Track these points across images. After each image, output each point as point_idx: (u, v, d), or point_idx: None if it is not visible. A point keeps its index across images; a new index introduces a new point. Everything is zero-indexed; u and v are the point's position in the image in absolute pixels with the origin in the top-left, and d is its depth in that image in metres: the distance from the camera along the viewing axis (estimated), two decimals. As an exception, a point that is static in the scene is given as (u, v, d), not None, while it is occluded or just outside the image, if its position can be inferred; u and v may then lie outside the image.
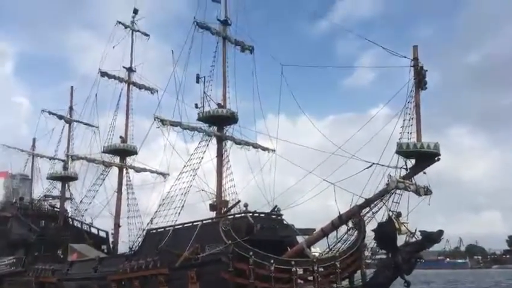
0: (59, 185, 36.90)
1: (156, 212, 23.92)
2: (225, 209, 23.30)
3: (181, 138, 25.46)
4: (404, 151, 16.80)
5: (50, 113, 36.11)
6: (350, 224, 18.35)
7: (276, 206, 22.22)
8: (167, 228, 21.68)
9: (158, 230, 22.18)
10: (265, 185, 24.31)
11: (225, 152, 25.16)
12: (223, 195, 24.44)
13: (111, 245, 32.11)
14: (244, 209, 21.05)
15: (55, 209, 36.94)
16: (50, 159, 37.97)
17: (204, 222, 20.51)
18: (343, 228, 18.69)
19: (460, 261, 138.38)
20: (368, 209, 17.98)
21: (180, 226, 21.55)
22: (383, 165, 17.69)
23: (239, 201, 23.29)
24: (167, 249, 20.43)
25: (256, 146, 26.74)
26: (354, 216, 18.07)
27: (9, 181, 42.69)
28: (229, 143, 25.20)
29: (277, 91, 22.94)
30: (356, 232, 18.19)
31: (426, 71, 16.75)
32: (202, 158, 24.40)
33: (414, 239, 17.20)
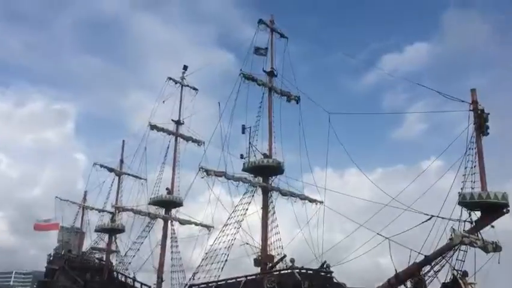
0: (106, 237, 37.10)
1: (199, 266, 23.07)
2: (270, 264, 22.00)
3: (226, 191, 25.01)
4: (468, 202, 15.22)
5: (101, 166, 37.20)
6: (409, 285, 16.49)
7: (325, 262, 20.68)
8: (210, 284, 20.67)
9: (201, 286, 21.18)
10: (312, 239, 22.99)
11: (270, 204, 24.27)
12: (268, 249, 23.25)
13: (154, 301, 31.15)
14: (290, 264, 19.71)
15: (102, 262, 36.87)
16: (99, 212, 38.60)
17: (248, 278, 19.38)
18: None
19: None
20: (428, 267, 16.16)
21: (223, 282, 20.49)
22: (443, 218, 16.09)
23: (285, 256, 21.98)
24: (209, 305, 19.36)
25: (303, 198, 25.67)
26: (413, 275, 16.26)
27: (61, 234, 43.47)
28: (274, 194, 24.36)
29: (323, 142, 22.09)
30: (416, 293, 16.25)
31: (488, 114, 15.46)
32: (247, 209, 23.68)
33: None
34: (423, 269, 16.33)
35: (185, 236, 31.51)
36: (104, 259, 36.60)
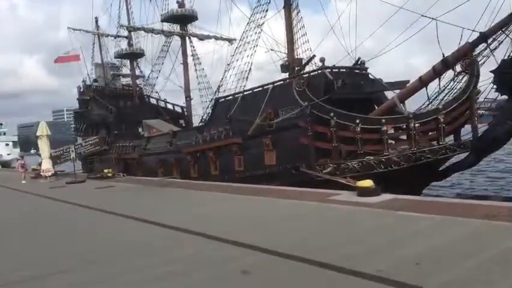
0: (128, 63, 35.97)
1: (222, 79, 21.73)
2: (298, 68, 20.20)
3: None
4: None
5: (102, -15, 33.44)
6: (458, 68, 14.42)
7: (359, 58, 18.58)
8: (236, 95, 19.49)
9: (227, 98, 20.10)
10: (343, 33, 20.44)
11: (293, 2, 21.07)
12: (295, 53, 21.14)
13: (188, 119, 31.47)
14: (320, 64, 17.72)
15: (129, 87, 36.60)
16: (114, 38, 36.58)
17: (276, 84, 17.86)
18: (448, 76, 14.92)
19: None
20: (483, 45, 13.78)
21: (250, 91, 19.21)
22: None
23: (314, 56, 19.98)
24: (237, 117, 18.51)
25: (330, -10, 22.20)
26: (464, 57, 14.04)
27: (99, 70, 42.14)
28: (298, -14, 20.88)
29: None
30: (467, 77, 14.28)
31: None
32: (267, 10, 20.78)
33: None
34: (476, 49, 14.04)
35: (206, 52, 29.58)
36: (131, 85, 36.16)
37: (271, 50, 21.95)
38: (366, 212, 7.84)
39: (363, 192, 9.31)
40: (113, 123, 30.88)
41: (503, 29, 13.19)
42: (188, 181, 17.42)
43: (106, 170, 22.45)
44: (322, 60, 17.69)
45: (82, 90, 37.60)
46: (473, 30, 13.65)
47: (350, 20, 20.39)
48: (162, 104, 35.27)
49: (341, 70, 17.34)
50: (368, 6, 23.51)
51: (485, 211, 6.96)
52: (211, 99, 22.95)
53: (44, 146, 23.54)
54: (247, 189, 12.35)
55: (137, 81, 35.87)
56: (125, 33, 34.50)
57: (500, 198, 13.40)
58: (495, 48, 13.58)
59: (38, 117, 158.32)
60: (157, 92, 34.82)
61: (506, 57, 12.99)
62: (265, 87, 18.14)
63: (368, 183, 9.44)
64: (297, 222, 7.46)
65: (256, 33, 20.93)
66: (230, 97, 19.86)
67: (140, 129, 30.17)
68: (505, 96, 13.44)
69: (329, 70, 16.72)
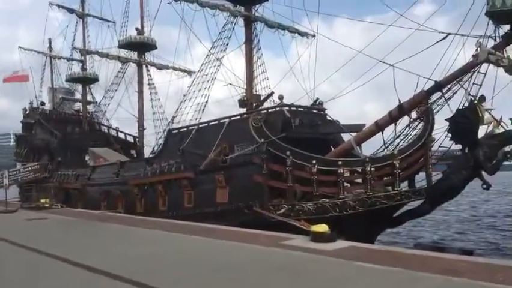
0: (79, 88, 34.39)
1: (177, 109, 20.89)
2: (256, 104, 19.80)
3: (203, 24, 21.42)
4: (498, 11, 12.17)
5: (59, 6, 32.22)
6: (414, 115, 14.46)
7: (317, 99, 18.50)
8: (190, 127, 18.67)
9: (181, 129, 19.22)
10: (303, 75, 20.48)
11: (255, 38, 20.97)
12: (254, 89, 20.84)
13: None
14: (278, 101, 17.40)
15: (79, 113, 34.85)
16: (67, 60, 35.04)
17: (232, 118, 17.25)
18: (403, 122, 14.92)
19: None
20: (438, 94, 13.94)
21: (205, 124, 18.46)
22: (463, 35, 13.27)
23: (272, 93, 19.69)
24: (191, 150, 17.62)
25: (292, 30, 22.37)
26: (419, 104, 14.11)
27: (51, 94, 39.88)
28: (259, 25, 20.87)
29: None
30: (422, 124, 14.31)
31: None
32: (227, 44, 20.46)
33: (499, 130, 13.27)
34: (431, 97, 14.18)
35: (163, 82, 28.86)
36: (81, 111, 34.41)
37: (230, 84, 21.50)
38: (320, 260, 7.13)
39: (318, 237, 8.65)
40: (57, 149, 28.87)
41: (457, 80, 13.42)
42: (131, 216, 16.13)
43: (42, 200, 20.65)
44: (280, 97, 17.41)
45: (27, 112, 35.40)
46: (429, 79, 13.81)
47: (309, 62, 20.64)
48: (113, 132, 33.70)
49: (299, 109, 17.05)
50: (327, 52, 23.95)
51: (445, 265, 6.48)
52: (164, 130, 21.95)
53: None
54: (192, 227, 11.37)
55: (89, 107, 34.21)
56: (80, 57, 33.15)
57: (457, 251, 13.15)
58: (449, 98, 13.77)
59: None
60: (107, 120, 33.30)
61: (461, 107, 13.15)
62: (221, 121, 17.49)
63: (323, 228, 8.80)
64: (235, 272, 6.51)
65: (215, 66, 20.47)
66: (184, 129, 19.00)
67: (86, 158, 28.42)
68: (459, 146, 13.52)
69: (287, 108, 16.37)
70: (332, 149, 16.69)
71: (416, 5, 15.56)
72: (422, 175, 15.24)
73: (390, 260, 6.91)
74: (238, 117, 17.40)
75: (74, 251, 8.37)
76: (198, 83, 20.53)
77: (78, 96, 35.88)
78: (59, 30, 34.40)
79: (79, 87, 34.49)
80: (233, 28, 20.35)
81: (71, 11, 32.55)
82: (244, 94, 20.63)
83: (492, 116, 13.16)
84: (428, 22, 14.52)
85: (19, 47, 35.46)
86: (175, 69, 28.93)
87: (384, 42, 16.61)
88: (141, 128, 27.86)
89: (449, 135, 13.32)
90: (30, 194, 25.88)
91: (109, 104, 29.54)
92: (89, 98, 33.85)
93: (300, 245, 8.38)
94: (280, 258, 7.38)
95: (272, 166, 14.54)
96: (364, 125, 16.52)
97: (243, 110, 19.95)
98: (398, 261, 6.78)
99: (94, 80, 32.94)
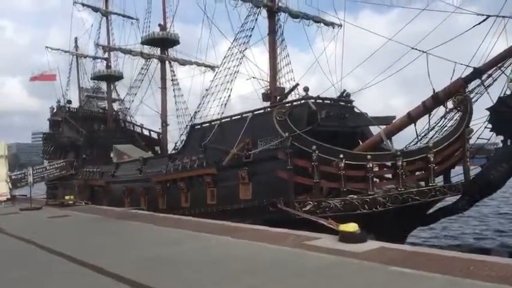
0: (105, 86, 34.57)
1: (200, 105, 20.44)
2: (280, 97, 19.11)
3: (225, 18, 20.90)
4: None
5: (83, 4, 32.38)
6: (450, 105, 13.45)
7: (344, 91, 17.62)
8: (212, 123, 18.18)
9: (203, 125, 18.76)
10: (329, 67, 19.64)
11: (278, 29, 20.25)
12: (278, 81, 20.14)
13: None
14: (304, 94, 16.65)
15: (105, 111, 35.03)
16: (93, 59, 35.25)
17: (255, 113, 16.62)
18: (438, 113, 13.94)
19: None
20: (477, 81, 12.90)
21: (227, 119, 17.92)
22: (504, 17, 12.19)
23: (297, 85, 18.91)
24: (213, 145, 17.13)
25: (318, 20, 21.50)
26: (456, 93, 13.10)
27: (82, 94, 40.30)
28: (283, 16, 20.13)
29: None
30: (459, 115, 13.29)
31: None
32: (250, 36, 19.83)
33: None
34: (469, 85, 13.15)
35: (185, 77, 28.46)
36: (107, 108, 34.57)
37: (253, 77, 20.87)
38: (350, 264, 6.43)
39: (347, 237, 7.94)
40: (83, 146, 29.02)
41: (498, 65, 12.36)
42: (154, 214, 15.74)
43: (66, 197, 20.62)
44: (306, 89, 16.66)
45: (54, 111, 35.86)
46: (467, 65, 12.79)
47: (335, 53, 19.79)
48: (138, 129, 33.73)
49: (325, 101, 16.26)
50: (353, 46, 22.99)
51: (494, 271, 5.66)
52: (186, 126, 21.57)
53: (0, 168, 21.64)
54: (212, 226, 10.83)
55: (114, 105, 34.34)
56: (105, 54, 33.23)
57: (505, 254, 12.13)
58: (489, 85, 12.71)
59: (17, 139, 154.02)
60: (132, 117, 33.31)
61: (503, 95, 12.10)
62: (244, 115, 16.90)
63: (352, 227, 8.08)
64: (255, 278, 5.86)
65: (237, 59, 19.89)
66: (206, 124, 18.53)
67: (111, 155, 28.44)
68: (500, 137, 12.46)
69: (313, 100, 15.58)
70: (360, 142, 15.88)
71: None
72: (458, 169, 14.24)
73: (428, 263, 6.16)
74: (262, 111, 16.78)
75: (88, 252, 7.97)
76: (221, 77, 20.05)
77: (103, 94, 36.05)
78: (84, 30, 34.45)
79: (104, 85, 34.68)
80: (256, 19, 19.70)
81: (95, 9, 32.65)
82: (268, 87, 19.98)
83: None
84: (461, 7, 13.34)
85: (46, 47, 35.81)
86: (198, 64, 28.47)
87: (412, 33, 15.61)
88: (164, 124, 27.60)
89: (490, 125, 12.29)
90: (56, 191, 26.03)
91: (132, 101, 29.49)
92: (114, 95, 33.96)
93: (327, 246, 7.70)
94: (306, 262, 6.73)
95: (297, 161, 13.88)
96: (394, 117, 15.62)
97: (267, 104, 19.31)
98: (438, 266, 6.01)
99: (119, 77, 33.00)
